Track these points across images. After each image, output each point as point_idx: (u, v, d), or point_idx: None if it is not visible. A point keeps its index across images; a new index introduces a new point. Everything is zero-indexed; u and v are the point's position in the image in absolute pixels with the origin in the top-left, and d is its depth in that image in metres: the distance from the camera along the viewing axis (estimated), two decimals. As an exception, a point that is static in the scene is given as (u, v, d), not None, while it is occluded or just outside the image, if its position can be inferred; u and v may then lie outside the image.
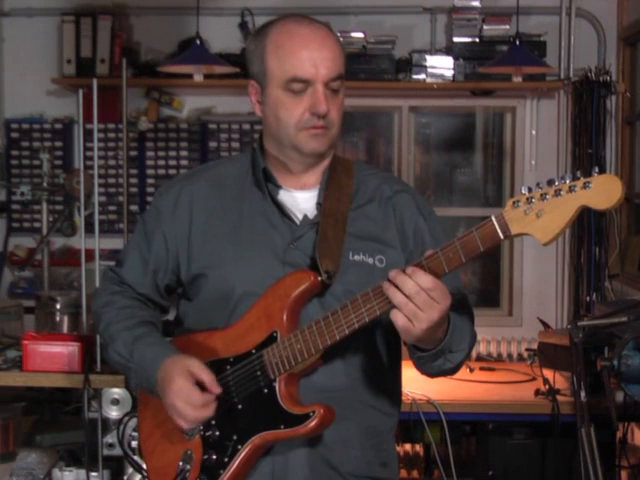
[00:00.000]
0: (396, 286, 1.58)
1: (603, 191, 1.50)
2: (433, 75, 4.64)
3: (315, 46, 1.77)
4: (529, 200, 1.54)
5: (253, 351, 1.75)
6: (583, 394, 3.04)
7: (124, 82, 3.57)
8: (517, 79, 4.45)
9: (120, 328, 1.87)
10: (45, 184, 4.23)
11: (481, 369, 3.88)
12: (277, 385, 1.73)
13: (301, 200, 1.85)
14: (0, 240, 4.92)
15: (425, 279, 1.57)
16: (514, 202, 1.55)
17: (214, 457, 1.77)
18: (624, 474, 3.49)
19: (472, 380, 3.69)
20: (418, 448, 4.29)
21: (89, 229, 3.31)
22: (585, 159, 4.53)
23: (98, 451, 3.16)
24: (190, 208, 1.87)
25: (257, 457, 1.76)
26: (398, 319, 1.59)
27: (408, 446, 4.34)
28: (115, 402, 3.13)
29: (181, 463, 1.80)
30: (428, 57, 4.65)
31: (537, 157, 4.83)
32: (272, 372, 1.73)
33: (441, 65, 4.64)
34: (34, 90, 4.89)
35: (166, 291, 1.95)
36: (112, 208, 4.87)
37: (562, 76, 4.67)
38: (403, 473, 4.24)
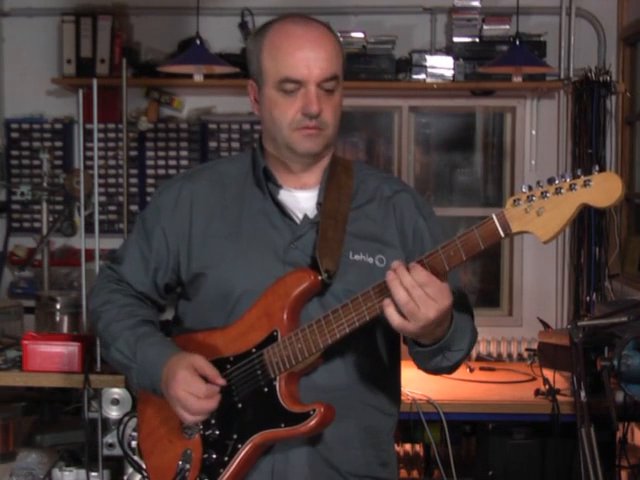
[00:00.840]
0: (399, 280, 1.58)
1: (603, 189, 1.50)
2: (433, 75, 4.64)
3: (309, 46, 1.77)
4: (530, 198, 1.55)
5: (253, 350, 1.75)
6: (583, 394, 3.04)
7: (124, 82, 3.57)
8: (517, 79, 4.45)
9: (122, 327, 1.87)
10: (45, 184, 4.23)
11: (481, 369, 3.88)
12: (277, 384, 1.73)
13: (301, 200, 1.85)
14: (0, 240, 4.92)
15: (421, 275, 1.57)
16: (515, 200, 1.56)
17: (214, 456, 1.77)
18: (624, 474, 3.49)
19: (472, 380, 3.69)
20: (418, 448, 4.29)
21: (89, 229, 3.30)
22: (585, 159, 4.53)
23: (98, 451, 3.16)
24: (190, 207, 1.87)
25: (257, 456, 1.76)
26: (394, 318, 1.59)
27: (408, 446, 4.34)
28: (115, 402, 3.13)
29: (181, 462, 1.80)
30: (428, 57, 4.65)
31: (537, 157, 4.83)
32: (272, 371, 1.73)
33: (441, 65, 4.64)
34: (34, 90, 4.89)
35: (165, 290, 1.94)
36: (112, 208, 4.87)
37: (562, 76, 4.68)
38: (403, 473, 4.24)
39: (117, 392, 3.13)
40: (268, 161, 1.88)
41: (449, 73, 4.64)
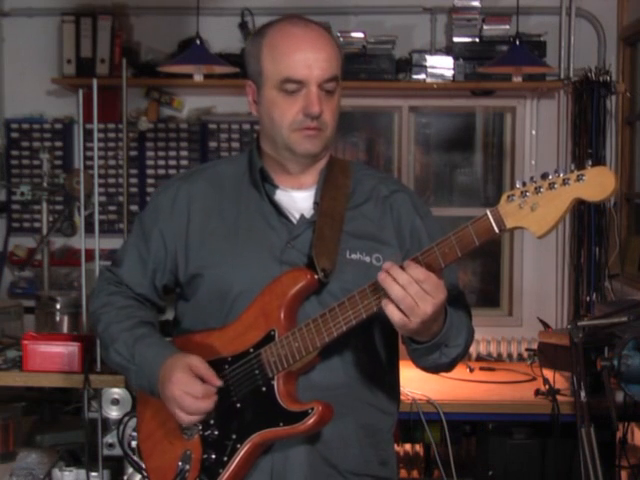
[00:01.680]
0: (392, 278, 1.58)
1: (597, 183, 1.51)
2: (433, 75, 4.64)
3: (309, 47, 1.77)
4: (523, 194, 1.55)
5: (251, 350, 1.76)
6: (583, 394, 3.04)
7: (124, 82, 3.57)
8: (517, 79, 4.45)
9: (120, 329, 1.87)
10: (45, 184, 4.23)
11: (481, 369, 3.88)
12: (275, 383, 1.73)
13: (298, 200, 1.86)
14: (0, 240, 4.93)
15: (417, 271, 1.58)
16: (509, 196, 1.57)
17: (213, 456, 1.77)
18: (624, 474, 3.49)
19: (472, 380, 3.69)
20: (418, 448, 4.29)
21: (89, 229, 3.30)
22: (585, 159, 4.53)
23: (98, 451, 3.16)
24: (188, 208, 1.88)
25: (256, 456, 1.77)
26: (394, 315, 1.59)
27: (408, 446, 4.34)
28: (115, 402, 3.13)
29: (180, 463, 1.80)
30: (428, 57, 4.65)
31: (537, 157, 4.83)
32: (270, 370, 1.73)
33: (441, 65, 4.64)
34: (34, 90, 4.89)
35: (163, 291, 1.95)
36: (112, 208, 4.87)
37: (562, 76, 4.68)
38: (403, 473, 4.25)
39: (117, 392, 3.13)
40: (265, 161, 1.88)
41: (449, 73, 4.64)
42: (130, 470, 3.12)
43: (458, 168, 5.17)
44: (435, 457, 3.49)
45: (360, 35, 4.62)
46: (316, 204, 1.84)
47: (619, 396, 3.15)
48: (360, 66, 4.60)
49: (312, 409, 1.69)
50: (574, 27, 4.71)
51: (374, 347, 1.85)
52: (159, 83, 4.80)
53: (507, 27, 4.60)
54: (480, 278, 5.15)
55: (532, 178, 1.56)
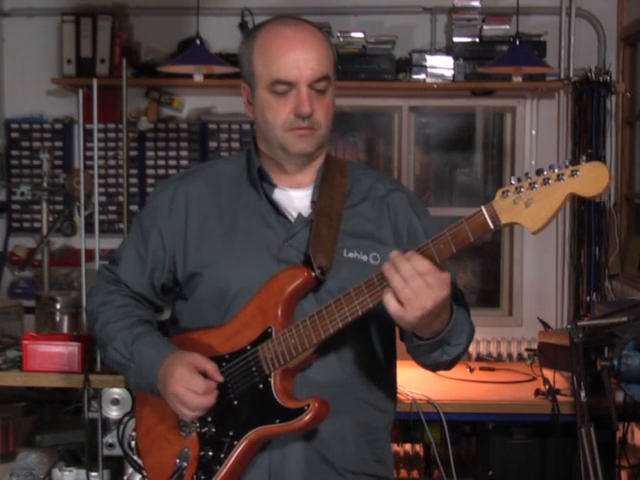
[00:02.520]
0: (395, 268, 1.58)
1: (591, 178, 1.52)
2: (433, 75, 4.65)
3: (299, 47, 1.77)
4: (518, 190, 1.56)
5: (248, 347, 1.76)
6: (583, 394, 3.03)
7: (124, 82, 3.57)
8: (517, 79, 4.45)
9: (119, 327, 1.88)
10: (45, 184, 4.23)
11: (481, 369, 3.87)
12: (272, 380, 1.74)
13: (296, 199, 1.86)
14: (0, 240, 4.93)
15: (421, 263, 1.57)
16: (503, 192, 1.57)
17: (210, 453, 1.78)
18: (624, 474, 3.49)
19: (472, 380, 3.68)
20: (418, 448, 4.29)
21: (89, 229, 3.30)
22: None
23: (98, 451, 3.16)
24: (186, 207, 1.88)
25: (253, 452, 1.77)
26: (391, 305, 1.58)
27: (408, 446, 4.34)
28: (115, 402, 3.13)
29: (178, 460, 1.81)
30: (428, 57, 4.66)
31: (537, 157, 4.84)
32: (267, 367, 1.74)
33: (441, 65, 4.65)
34: (34, 90, 4.90)
35: (162, 291, 1.95)
36: (112, 208, 4.88)
37: (562, 76, 4.68)
38: (403, 473, 4.24)
39: (117, 392, 3.13)
40: (262, 161, 1.89)
41: (449, 73, 4.64)
42: (130, 470, 3.12)
43: (458, 168, 5.18)
44: (435, 457, 3.48)
45: (360, 35, 4.62)
46: (313, 203, 1.84)
47: (619, 396, 3.14)
48: (360, 66, 4.61)
49: (308, 406, 1.70)
50: (574, 27, 4.71)
51: (371, 345, 1.86)
52: (159, 83, 4.80)
53: (507, 27, 4.61)
54: (480, 278, 5.15)
55: (527, 174, 1.56)
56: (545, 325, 3.77)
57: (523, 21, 4.49)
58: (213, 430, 1.78)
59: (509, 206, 1.56)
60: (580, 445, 3.03)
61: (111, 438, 3.12)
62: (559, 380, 3.37)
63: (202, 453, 1.79)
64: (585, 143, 4.58)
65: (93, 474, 3.20)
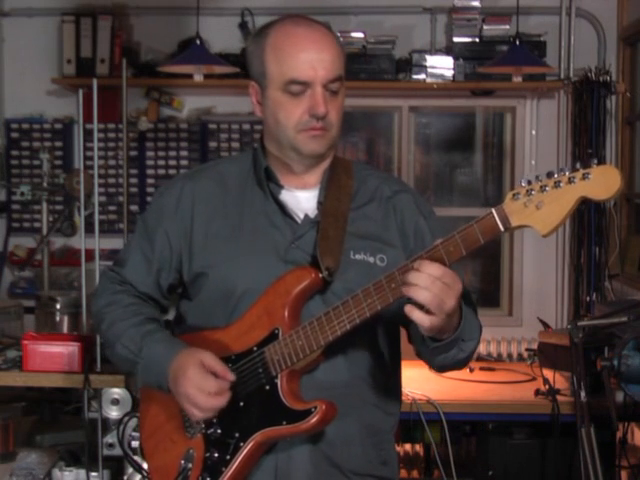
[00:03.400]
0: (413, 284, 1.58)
1: (602, 182, 1.51)
2: (433, 75, 4.65)
3: (313, 47, 1.77)
4: (529, 192, 1.55)
5: (255, 348, 1.75)
6: (583, 394, 3.03)
7: (124, 82, 3.57)
8: (517, 79, 4.45)
9: (127, 325, 1.87)
10: (45, 184, 4.23)
11: (481, 369, 3.87)
12: (279, 382, 1.73)
13: (302, 199, 1.86)
14: (0, 240, 4.93)
15: (434, 267, 1.58)
16: (514, 194, 1.57)
17: (216, 455, 1.77)
18: (624, 474, 3.49)
19: (472, 380, 3.68)
20: (418, 448, 4.29)
21: (89, 229, 3.30)
22: (585, 159, 4.53)
23: (98, 451, 3.16)
24: (192, 207, 1.87)
25: (259, 454, 1.77)
26: (424, 320, 1.58)
27: (408, 446, 4.34)
28: (115, 402, 3.13)
29: (183, 462, 1.80)
30: (428, 57, 4.66)
31: (537, 157, 4.84)
32: (274, 369, 1.73)
33: (441, 65, 4.65)
34: (34, 90, 4.90)
35: (168, 290, 1.94)
36: (112, 208, 4.88)
37: (562, 76, 4.68)
38: (403, 473, 4.24)
39: (117, 392, 3.12)
40: (269, 161, 1.88)
41: (449, 73, 4.64)
42: (130, 470, 3.11)
43: (458, 168, 5.18)
44: (435, 457, 3.49)
45: (360, 35, 4.63)
46: (320, 204, 1.84)
47: (619, 396, 3.15)
48: (360, 66, 4.61)
49: (315, 408, 1.69)
50: (574, 27, 4.71)
51: (378, 347, 1.85)
52: (159, 83, 4.80)
53: (507, 27, 4.61)
54: (480, 278, 5.15)
55: (537, 177, 1.55)
56: (545, 325, 3.77)
57: (523, 21, 4.50)
58: (219, 431, 1.78)
59: (520, 208, 1.56)
60: (580, 445, 3.03)
61: (111, 438, 3.12)
62: (559, 380, 3.37)
63: (207, 454, 1.78)
64: (585, 143, 4.58)
65: (93, 474, 3.20)
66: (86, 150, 3.83)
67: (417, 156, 5.10)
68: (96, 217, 3.27)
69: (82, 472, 3.21)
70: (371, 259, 1.80)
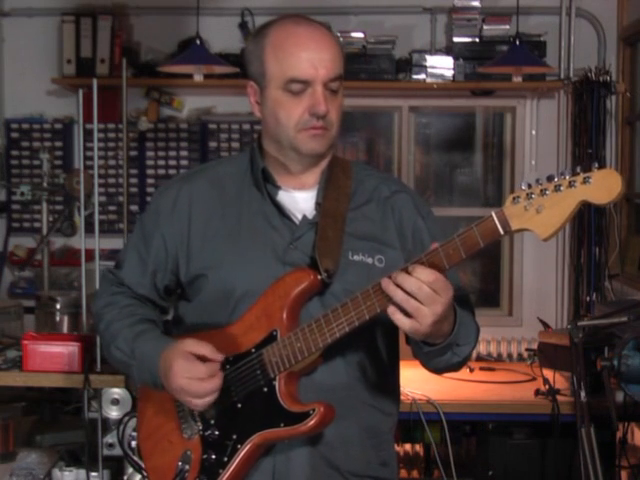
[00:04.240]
0: (397, 285, 1.58)
1: (603, 186, 1.50)
2: (433, 75, 4.65)
3: (314, 46, 1.77)
4: (529, 196, 1.55)
5: (253, 350, 1.75)
6: (583, 394, 3.04)
7: (124, 82, 3.57)
8: (517, 79, 4.45)
9: (122, 326, 1.87)
10: (45, 184, 4.23)
11: (481, 369, 3.88)
12: (277, 384, 1.73)
13: (300, 200, 1.85)
14: (0, 240, 4.92)
15: (425, 273, 1.57)
16: (514, 198, 1.56)
17: (213, 457, 1.77)
18: (624, 474, 3.49)
19: (472, 380, 3.68)
20: (418, 448, 4.29)
21: (89, 229, 3.30)
22: (585, 159, 4.53)
23: (98, 451, 3.16)
24: (189, 208, 1.87)
25: (257, 456, 1.76)
26: (404, 323, 1.58)
27: (408, 446, 4.34)
28: (115, 402, 3.13)
29: (180, 463, 1.80)
30: (428, 57, 4.66)
31: (537, 157, 4.84)
32: (272, 371, 1.73)
33: (441, 65, 4.65)
34: (34, 90, 4.90)
35: (165, 292, 1.94)
36: (112, 208, 4.88)
37: (562, 76, 4.68)
38: (403, 473, 4.24)
39: (117, 392, 3.13)
40: (267, 162, 1.87)
41: (449, 73, 4.64)
42: (130, 470, 3.12)
43: (458, 168, 5.17)
44: (435, 457, 3.49)
45: (360, 35, 4.63)
46: (318, 204, 1.83)
47: (619, 396, 3.15)
48: (360, 66, 4.61)
49: (314, 410, 1.69)
50: (574, 27, 4.71)
51: (376, 348, 1.85)
52: (159, 83, 4.80)
53: (507, 27, 4.61)
54: (480, 278, 5.15)
55: (538, 180, 1.55)
56: (545, 325, 3.77)
57: (523, 21, 4.49)
58: (216, 433, 1.77)
59: (520, 212, 1.55)
60: (580, 445, 3.03)
61: (111, 438, 3.12)
62: (559, 380, 3.37)
63: (205, 456, 1.78)
64: (585, 143, 4.57)
65: (93, 474, 3.20)
66: (86, 150, 3.82)
67: (417, 156, 5.10)
68: (96, 217, 3.28)
69: (82, 472, 3.21)
70: (370, 260, 1.80)
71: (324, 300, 1.76)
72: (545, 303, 4.78)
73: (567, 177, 1.53)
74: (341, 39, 4.52)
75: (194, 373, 1.71)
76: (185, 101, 4.95)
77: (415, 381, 3.35)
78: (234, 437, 1.75)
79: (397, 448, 4.32)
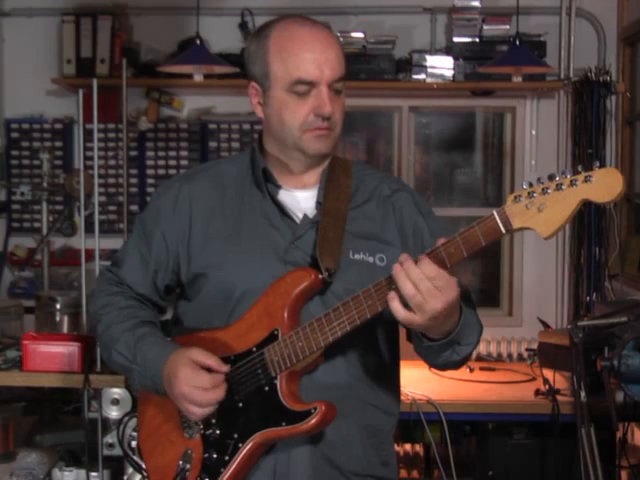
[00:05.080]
0: (405, 273, 1.58)
1: (604, 184, 1.51)
2: (433, 75, 4.65)
3: (319, 47, 1.77)
4: (530, 194, 1.55)
5: (254, 349, 1.75)
6: (583, 394, 3.04)
7: (124, 82, 3.57)
8: (517, 79, 4.45)
9: (122, 329, 1.87)
10: (45, 184, 4.23)
11: (481, 369, 3.88)
12: (278, 383, 1.73)
13: (301, 199, 1.86)
14: (0, 240, 4.92)
15: (429, 267, 1.57)
16: (516, 196, 1.56)
17: (215, 456, 1.77)
18: (624, 474, 3.49)
19: (472, 380, 3.68)
20: (418, 448, 4.29)
21: (89, 229, 3.30)
22: (585, 159, 4.53)
23: (98, 451, 3.16)
24: (190, 208, 1.87)
25: (258, 455, 1.76)
26: (399, 311, 1.59)
27: (408, 446, 4.34)
28: (115, 402, 3.13)
29: (181, 462, 1.80)
30: (428, 57, 4.66)
31: (537, 157, 4.84)
32: (273, 370, 1.73)
33: (441, 65, 4.65)
34: (34, 90, 4.89)
35: (165, 291, 1.94)
36: (112, 208, 4.87)
37: (562, 76, 4.68)
38: (403, 473, 4.24)
39: (117, 392, 3.13)
40: (267, 161, 1.87)
41: (449, 73, 4.64)
42: (130, 470, 3.12)
43: (458, 168, 5.18)
44: (435, 457, 3.49)
45: (360, 35, 4.63)
46: (319, 204, 1.83)
47: (619, 396, 3.15)
48: (360, 66, 4.61)
49: (315, 409, 1.69)
50: (574, 27, 4.71)
51: (377, 348, 1.85)
52: (159, 83, 4.80)
53: (507, 27, 4.61)
54: (480, 278, 5.15)
55: (539, 179, 1.55)
56: (545, 325, 3.77)
57: (523, 21, 4.49)
58: (217, 432, 1.77)
59: (521, 211, 1.55)
60: (580, 445, 3.03)
61: (111, 438, 3.12)
62: (559, 380, 3.37)
63: (206, 455, 1.78)
64: (585, 143, 4.57)
65: (93, 474, 3.21)
66: (86, 150, 3.82)
67: (417, 156, 5.10)
68: (96, 217, 3.28)
69: (82, 472, 3.22)
70: (370, 259, 1.80)
71: (325, 299, 1.77)
72: (545, 303, 4.78)
73: (568, 176, 1.53)
74: (341, 39, 4.52)
75: (198, 382, 1.72)
76: (185, 101, 4.95)
77: (415, 381, 3.35)
78: (235, 436, 1.75)
79: (397, 448, 4.32)
